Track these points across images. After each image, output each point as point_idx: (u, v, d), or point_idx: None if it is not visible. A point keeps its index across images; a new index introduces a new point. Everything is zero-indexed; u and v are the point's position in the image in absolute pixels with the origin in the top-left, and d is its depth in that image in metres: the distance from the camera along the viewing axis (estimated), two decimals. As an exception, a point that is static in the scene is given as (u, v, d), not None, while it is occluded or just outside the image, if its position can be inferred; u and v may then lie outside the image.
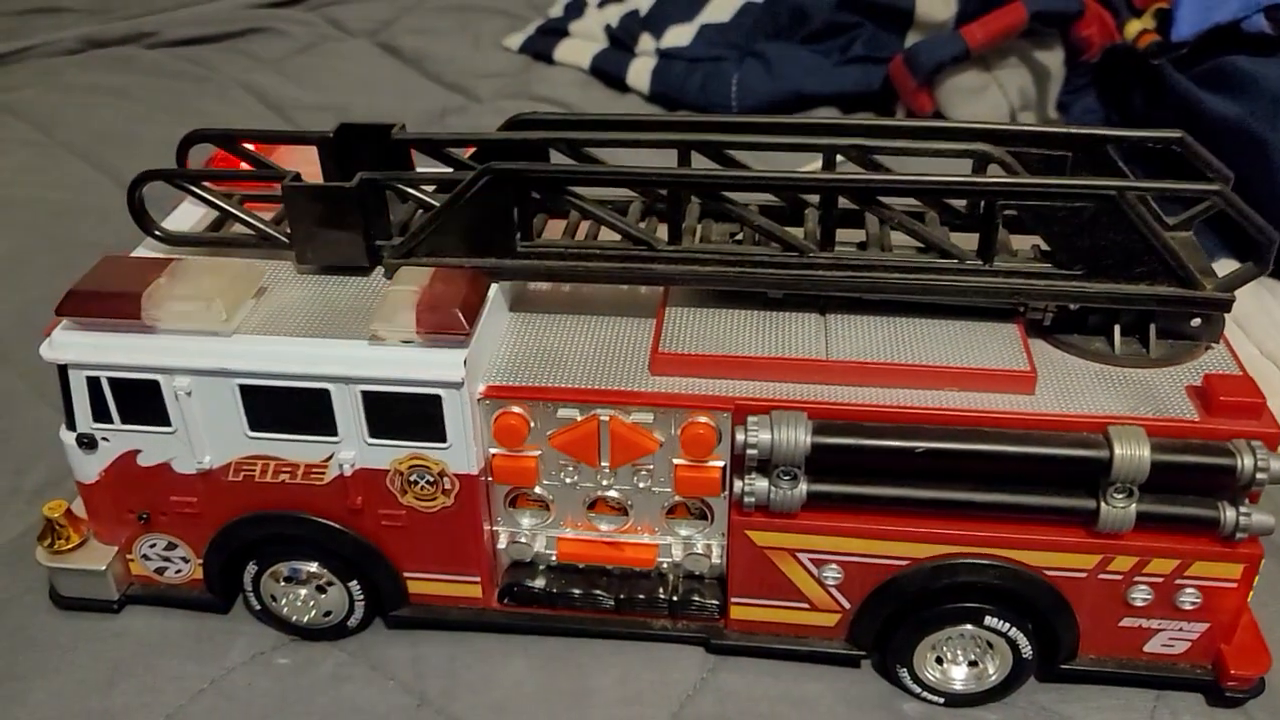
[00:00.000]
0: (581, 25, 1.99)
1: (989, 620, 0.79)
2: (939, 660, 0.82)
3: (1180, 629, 0.79)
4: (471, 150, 0.91)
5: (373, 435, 0.79)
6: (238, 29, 2.07)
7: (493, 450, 0.80)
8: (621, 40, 1.91)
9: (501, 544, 0.85)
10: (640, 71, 1.83)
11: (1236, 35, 1.36)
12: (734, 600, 0.83)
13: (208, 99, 1.82)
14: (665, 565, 0.85)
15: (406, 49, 2.01)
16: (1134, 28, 1.50)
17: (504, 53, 2.01)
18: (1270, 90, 1.25)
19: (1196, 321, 0.80)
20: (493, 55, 1.99)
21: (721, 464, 0.78)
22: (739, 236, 0.87)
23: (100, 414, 0.81)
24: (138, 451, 0.82)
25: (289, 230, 0.85)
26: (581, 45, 1.95)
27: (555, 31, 2.00)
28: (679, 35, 1.87)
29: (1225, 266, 0.79)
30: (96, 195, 1.53)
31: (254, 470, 0.82)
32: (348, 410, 0.78)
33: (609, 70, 1.87)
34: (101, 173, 1.60)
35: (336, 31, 2.11)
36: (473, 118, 1.77)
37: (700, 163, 0.87)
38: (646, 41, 1.88)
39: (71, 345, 0.79)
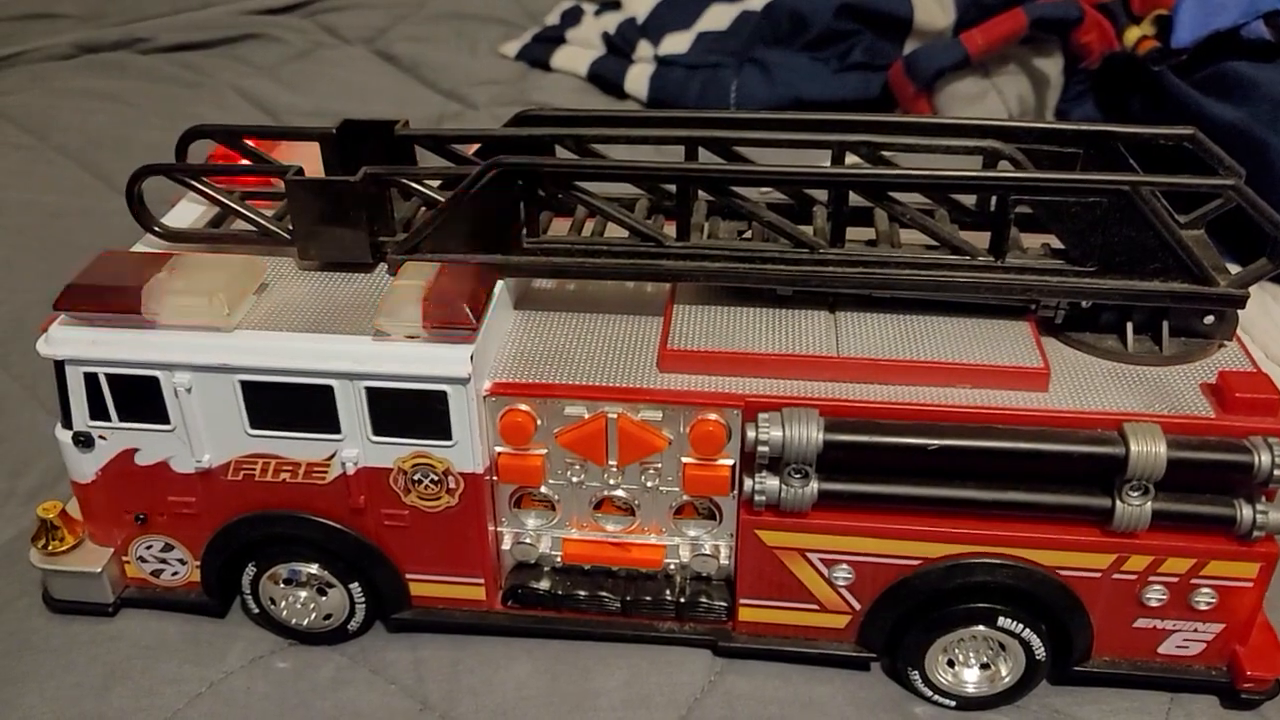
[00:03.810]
0: (578, 33, 1.99)
1: (1002, 621, 0.77)
2: (950, 663, 0.81)
3: (1195, 630, 0.78)
4: (476, 147, 0.90)
5: (376, 433, 0.77)
6: (232, 35, 2.06)
7: (498, 449, 0.79)
8: (619, 47, 1.90)
9: (506, 545, 0.84)
10: (638, 78, 1.83)
11: (1236, 42, 1.36)
12: (742, 602, 0.82)
13: (202, 104, 1.81)
14: (672, 566, 0.83)
15: (402, 56, 2.00)
16: (1133, 34, 1.50)
17: (501, 60, 2.00)
18: (1271, 95, 1.25)
19: (1210, 319, 0.79)
20: (489, 63, 1.99)
21: (731, 462, 0.77)
22: (747, 234, 0.86)
23: (97, 411, 0.79)
24: (135, 450, 0.81)
25: (291, 226, 0.84)
26: (579, 52, 1.94)
27: (552, 39, 2.00)
28: (676, 43, 1.86)
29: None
30: (90, 199, 1.52)
31: (254, 469, 0.80)
32: (351, 407, 0.77)
33: (607, 77, 1.87)
34: (95, 177, 1.58)
35: (331, 38, 2.11)
36: (469, 124, 1.76)
37: (708, 159, 0.86)
38: (644, 48, 1.87)
39: (69, 340, 0.77)
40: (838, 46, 1.74)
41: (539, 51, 1.98)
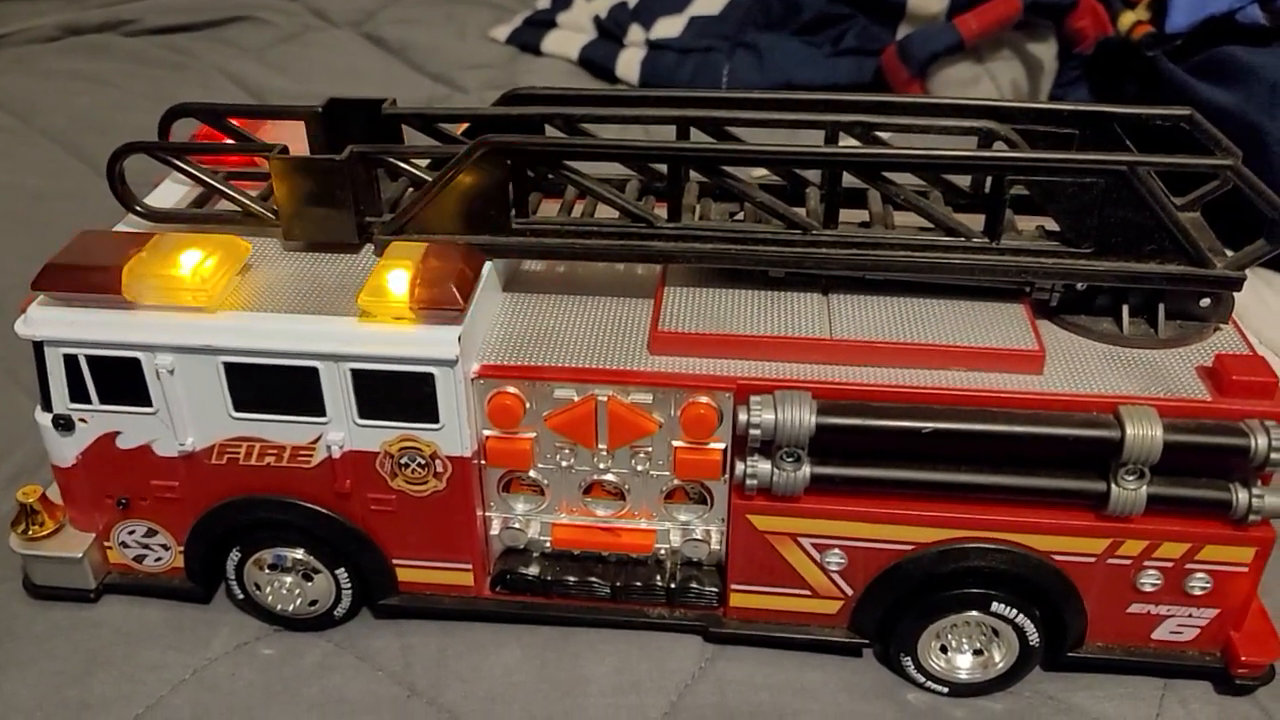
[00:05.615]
0: (569, 17, 1.97)
1: (995, 606, 0.77)
2: (943, 649, 0.80)
3: (1189, 615, 0.78)
4: (465, 126, 0.89)
5: (362, 416, 0.76)
6: (219, 17, 2.04)
7: (486, 432, 0.78)
8: (610, 31, 1.89)
9: (494, 530, 0.83)
10: (630, 62, 1.81)
11: (1231, 26, 1.35)
12: (733, 587, 0.81)
13: (188, 86, 1.78)
14: (663, 551, 0.82)
15: (391, 39, 1.98)
16: (1128, 20, 1.48)
17: (490, 44, 1.98)
18: (1267, 79, 1.24)
19: (1206, 302, 0.78)
20: (479, 46, 1.97)
21: (722, 446, 0.76)
22: (739, 215, 0.85)
23: (78, 394, 0.78)
24: (117, 433, 0.79)
25: (276, 206, 0.82)
26: (570, 37, 1.93)
27: (543, 23, 1.98)
28: (669, 26, 1.85)
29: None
30: (74, 181, 1.50)
31: (238, 452, 0.79)
32: (336, 390, 0.75)
33: (598, 61, 1.85)
34: (79, 159, 1.57)
35: (319, 21, 2.08)
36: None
37: (699, 140, 0.85)
38: (636, 32, 1.86)
39: (48, 321, 0.76)
40: (830, 31, 1.73)
41: (529, 35, 1.96)
